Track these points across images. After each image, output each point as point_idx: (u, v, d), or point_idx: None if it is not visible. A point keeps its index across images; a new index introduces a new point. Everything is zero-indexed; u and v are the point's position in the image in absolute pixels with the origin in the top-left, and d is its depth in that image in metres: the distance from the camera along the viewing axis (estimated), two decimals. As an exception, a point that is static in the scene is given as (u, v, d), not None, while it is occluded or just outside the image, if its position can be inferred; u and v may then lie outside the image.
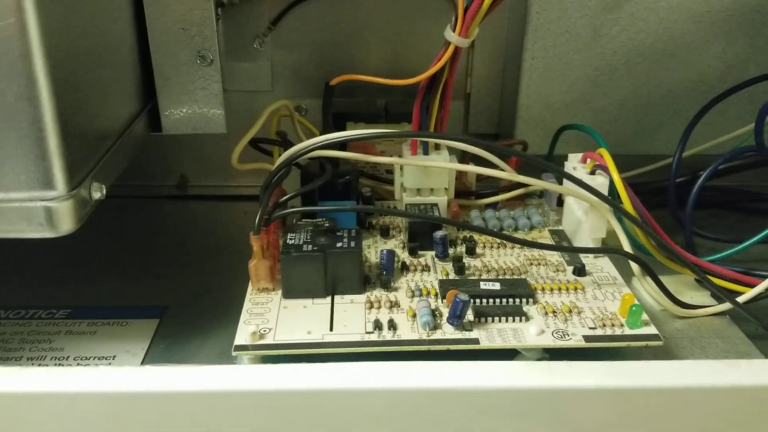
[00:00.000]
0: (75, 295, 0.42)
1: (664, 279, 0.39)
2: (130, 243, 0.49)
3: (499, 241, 0.42)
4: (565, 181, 0.41)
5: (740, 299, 0.38)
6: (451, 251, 0.41)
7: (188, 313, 0.40)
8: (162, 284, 0.43)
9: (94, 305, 0.41)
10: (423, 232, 0.41)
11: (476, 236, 0.42)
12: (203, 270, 0.45)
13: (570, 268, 0.40)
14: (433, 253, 0.41)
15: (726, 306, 0.39)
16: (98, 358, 0.37)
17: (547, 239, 0.43)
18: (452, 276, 0.39)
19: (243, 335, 0.34)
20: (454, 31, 0.38)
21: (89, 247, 0.47)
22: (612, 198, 0.39)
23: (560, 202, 0.45)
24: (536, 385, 0.30)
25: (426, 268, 0.40)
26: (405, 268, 0.40)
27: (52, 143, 0.31)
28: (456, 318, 0.34)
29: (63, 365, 0.36)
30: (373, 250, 0.42)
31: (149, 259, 0.47)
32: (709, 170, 0.44)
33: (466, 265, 0.40)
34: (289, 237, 0.37)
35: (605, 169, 0.39)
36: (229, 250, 0.46)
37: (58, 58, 0.31)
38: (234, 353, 0.33)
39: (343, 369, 0.30)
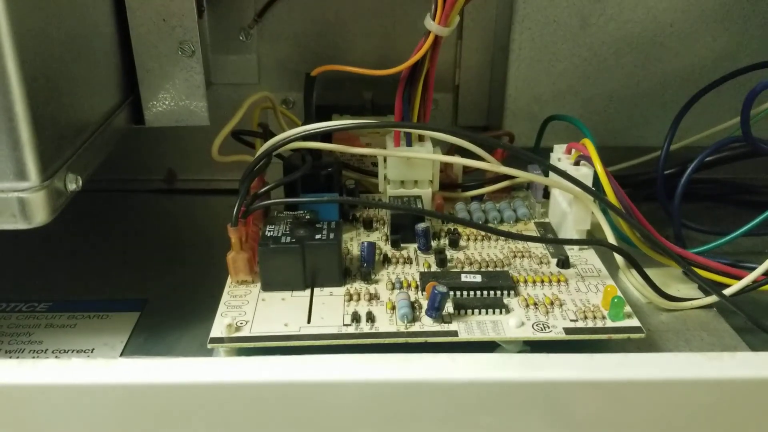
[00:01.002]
0: (57, 289, 0.41)
1: (651, 272, 0.38)
2: (115, 236, 0.49)
3: (483, 233, 0.42)
4: (550, 172, 0.40)
5: (727, 292, 0.38)
6: (434, 244, 0.41)
7: (169, 306, 0.40)
8: (145, 278, 0.43)
9: (76, 299, 0.40)
10: (405, 224, 0.41)
11: (460, 229, 0.42)
12: (187, 264, 0.45)
13: (554, 261, 0.39)
14: (415, 245, 0.40)
15: (713, 299, 0.38)
16: (77, 351, 0.36)
17: (533, 231, 0.43)
18: (434, 268, 0.39)
19: (219, 328, 0.33)
20: (434, 19, 0.38)
21: (74, 240, 0.47)
22: (596, 189, 0.39)
23: (547, 194, 0.45)
24: (512, 378, 0.30)
25: (408, 261, 0.39)
26: (387, 260, 0.39)
27: (24, 133, 0.30)
28: (434, 310, 0.34)
29: (40, 358, 0.36)
30: (356, 242, 0.41)
31: (133, 253, 0.46)
32: (696, 161, 0.44)
33: (449, 257, 0.39)
34: (267, 229, 0.37)
35: (589, 159, 0.39)
36: (214, 244, 0.45)
37: (30, 47, 0.30)
38: (209, 346, 0.33)
39: (315, 361, 0.29)
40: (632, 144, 0.54)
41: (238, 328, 0.33)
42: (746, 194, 0.54)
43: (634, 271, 0.39)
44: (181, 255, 0.46)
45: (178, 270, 0.44)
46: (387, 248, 0.40)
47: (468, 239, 0.41)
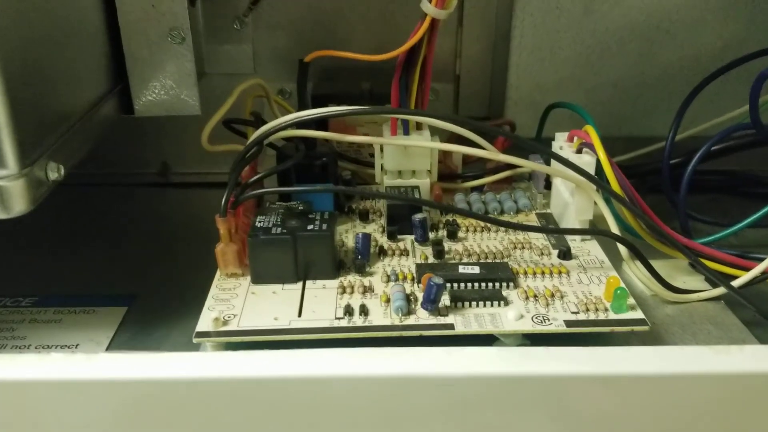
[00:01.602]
0: (44, 284, 0.40)
1: (655, 263, 0.37)
2: (107, 230, 0.48)
3: (482, 224, 0.40)
4: (552, 161, 0.39)
5: (735, 283, 0.36)
6: (431, 235, 0.40)
7: (159, 301, 0.39)
8: (134, 272, 0.42)
9: (63, 293, 0.39)
10: (402, 215, 0.39)
11: (459, 220, 0.41)
12: (179, 258, 0.44)
13: (555, 252, 0.38)
14: (412, 237, 0.39)
15: (720, 290, 0.37)
16: (60, 347, 0.35)
17: (534, 223, 0.42)
18: (431, 260, 0.37)
19: (205, 321, 0.32)
20: (430, 2, 0.36)
21: (65, 234, 0.46)
22: (599, 177, 0.37)
23: (549, 184, 0.43)
24: (511, 372, 0.28)
25: (404, 253, 0.38)
26: (383, 252, 0.38)
27: (1, 119, 0.29)
28: (430, 302, 0.33)
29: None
30: (351, 234, 0.40)
31: (125, 247, 0.45)
32: (702, 150, 0.42)
33: (447, 249, 0.38)
34: (258, 220, 0.36)
35: (591, 147, 0.38)
36: (207, 238, 0.44)
37: (7, 31, 0.29)
38: (195, 340, 0.31)
39: (304, 356, 0.28)
40: (637, 134, 0.52)
41: (225, 322, 0.32)
42: (754, 186, 0.53)
43: (638, 263, 0.37)
44: (173, 249, 0.45)
45: (170, 264, 0.43)
46: (383, 240, 0.39)
47: (467, 230, 0.40)
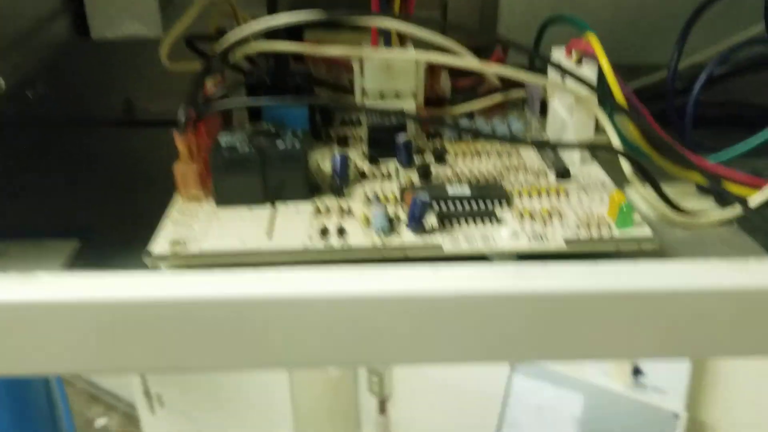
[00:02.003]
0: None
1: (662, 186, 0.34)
2: (67, 168, 0.44)
3: (473, 149, 0.37)
4: (549, 73, 0.36)
5: (751, 203, 0.33)
6: (418, 161, 0.36)
7: (115, 235, 0.35)
8: (90, 207, 0.38)
9: (10, 226, 0.36)
10: (385, 138, 0.36)
11: (447, 145, 0.37)
12: (138, 195, 0.40)
13: (553, 174, 0.34)
14: (396, 161, 0.36)
15: (734, 212, 0.34)
16: (5, 281, 0.32)
17: (528, 148, 0.38)
18: (417, 185, 0.34)
19: (161, 243, 0.29)
20: None
21: (20, 173, 0.43)
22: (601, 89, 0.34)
23: (544, 110, 0.40)
24: (504, 290, 0.25)
25: (387, 177, 0.34)
26: (363, 176, 0.34)
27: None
28: (415, 221, 0.29)
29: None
30: (329, 162, 0.36)
31: (82, 183, 0.41)
32: (707, 69, 0.39)
33: (435, 174, 0.35)
34: (222, 137, 0.32)
35: (593, 56, 0.34)
36: (170, 176, 0.41)
37: None
38: (148, 262, 0.28)
39: (278, 275, 0.25)
40: (640, 61, 0.48)
41: (183, 244, 0.29)
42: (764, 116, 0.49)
43: (643, 185, 0.34)
44: (134, 186, 0.41)
45: (129, 200, 0.39)
46: (364, 165, 0.36)
47: (456, 155, 0.37)
